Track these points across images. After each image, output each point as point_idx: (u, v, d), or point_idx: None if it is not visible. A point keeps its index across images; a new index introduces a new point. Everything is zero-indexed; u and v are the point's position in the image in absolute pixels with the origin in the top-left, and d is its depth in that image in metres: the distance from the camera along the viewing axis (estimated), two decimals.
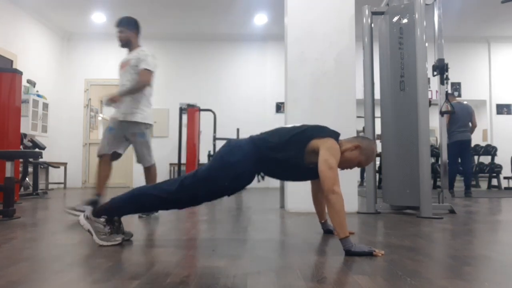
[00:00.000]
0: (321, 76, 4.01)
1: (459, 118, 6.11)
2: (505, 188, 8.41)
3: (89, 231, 2.16)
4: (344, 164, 2.18)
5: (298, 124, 2.30)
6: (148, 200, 2.17)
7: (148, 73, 3.45)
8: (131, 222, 3.08)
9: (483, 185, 9.13)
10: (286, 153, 2.14)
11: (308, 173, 2.22)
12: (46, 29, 8.47)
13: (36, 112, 7.42)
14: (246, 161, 2.14)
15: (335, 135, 2.19)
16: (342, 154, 2.13)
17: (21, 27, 7.60)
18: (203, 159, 8.30)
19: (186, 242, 2.33)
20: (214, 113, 8.21)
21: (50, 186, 7.99)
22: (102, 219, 2.15)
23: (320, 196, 2.55)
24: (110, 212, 2.17)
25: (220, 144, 7.41)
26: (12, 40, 7.33)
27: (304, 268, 1.66)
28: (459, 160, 6.38)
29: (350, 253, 1.88)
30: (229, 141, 2.27)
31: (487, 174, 8.36)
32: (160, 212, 3.77)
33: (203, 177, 2.15)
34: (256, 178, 2.26)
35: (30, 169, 6.08)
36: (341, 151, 2.13)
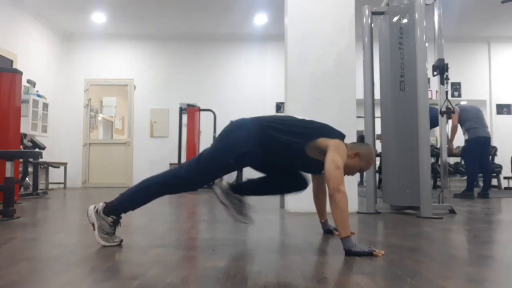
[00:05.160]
0: (321, 76, 4.01)
1: (472, 114, 5.95)
2: (505, 188, 8.41)
3: (92, 224, 2.15)
4: (346, 170, 2.17)
5: (307, 118, 2.29)
6: (156, 188, 2.17)
7: None
8: (131, 223, 3.08)
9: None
10: (290, 138, 2.14)
11: (306, 164, 2.22)
12: (46, 29, 8.47)
13: (36, 112, 7.41)
14: (250, 139, 2.14)
15: (342, 136, 2.20)
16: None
17: (21, 27, 7.60)
18: None
19: (186, 242, 2.32)
20: (214, 113, 8.21)
21: (50, 186, 7.98)
22: (110, 219, 2.14)
23: (322, 195, 2.55)
24: (121, 209, 2.17)
25: None
26: (12, 40, 7.32)
27: (304, 268, 1.66)
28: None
29: (350, 253, 1.88)
30: (232, 121, 2.28)
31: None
32: (160, 212, 3.77)
33: (208, 158, 2.16)
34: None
35: (30, 169, 6.08)
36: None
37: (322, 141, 2.12)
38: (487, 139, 6.01)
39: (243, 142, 2.14)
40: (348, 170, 2.20)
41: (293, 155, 2.19)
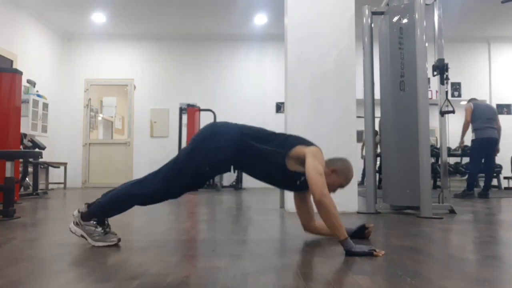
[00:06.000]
0: (321, 76, 4.01)
1: (484, 114, 5.94)
2: (505, 188, 8.41)
3: (82, 236, 2.13)
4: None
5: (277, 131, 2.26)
6: (132, 199, 2.14)
7: None
8: (131, 223, 3.08)
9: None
10: (268, 148, 2.11)
11: (286, 177, 2.16)
12: (46, 29, 8.47)
13: (36, 112, 7.42)
14: (229, 147, 2.11)
15: (316, 146, 2.16)
16: None
17: (21, 27, 7.60)
18: None
19: (186, 242, 2.33)
20: (214, 113, 8.20)
21: (50, 186, 7.98)
22: (91, 222, 2.12)
23: (310, 207, 2.36)
24: (96, 215, 2.14)
25: None
26: (12, 40, 7.32)
27: (304, 268, 1.66)
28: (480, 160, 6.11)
29: (350, 253, 1.88)
30: (214, 123, 2.25)
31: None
32: (160, 212, 3.78)
33: (183, 165, 2.11)
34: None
35: (30, 169, 6.08)
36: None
37: (300, 148, 2.09)
38: (493, 140, 5.99)
39: (221, 150, 2.10)
40: (328, 188, 2.04)
41: (273, 166, 2.13)
